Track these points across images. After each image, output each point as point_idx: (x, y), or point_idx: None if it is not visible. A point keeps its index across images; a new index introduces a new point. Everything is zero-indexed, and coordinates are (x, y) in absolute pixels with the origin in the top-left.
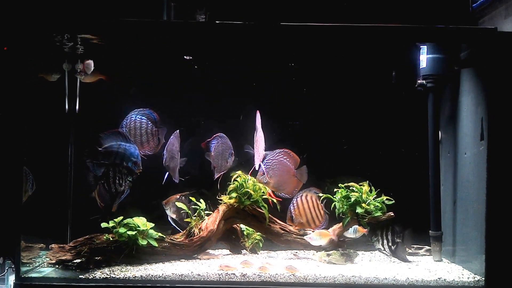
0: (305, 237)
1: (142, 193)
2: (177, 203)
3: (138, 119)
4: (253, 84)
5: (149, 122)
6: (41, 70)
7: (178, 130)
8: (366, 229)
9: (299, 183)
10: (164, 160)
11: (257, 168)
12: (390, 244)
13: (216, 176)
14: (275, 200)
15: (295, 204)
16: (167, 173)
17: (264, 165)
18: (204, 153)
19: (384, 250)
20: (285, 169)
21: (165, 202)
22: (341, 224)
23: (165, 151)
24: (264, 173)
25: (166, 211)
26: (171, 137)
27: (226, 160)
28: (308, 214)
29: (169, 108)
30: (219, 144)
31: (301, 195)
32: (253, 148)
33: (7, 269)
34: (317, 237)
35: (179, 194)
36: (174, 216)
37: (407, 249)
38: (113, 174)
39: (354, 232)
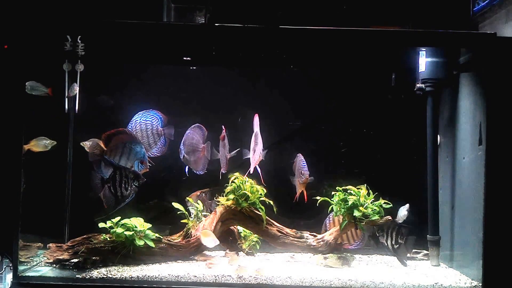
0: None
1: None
2: (188, 198)
3: (143, 121)
4: (252, 86)
5: (154, 123)
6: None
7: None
8: None
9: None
10: (182, 155)
11: (251, 172)
12: (393, 242)
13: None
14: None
15: (331, 219)
16: (187, 166)
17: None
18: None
19: (387, 247)
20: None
21: (189, 197)
22: (338, 227)
23: (182, 145)
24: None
25: (189, 206)
26: (188, 131)
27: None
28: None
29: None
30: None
31: None
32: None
33: (4, 268)
34: (206, 238)
35: (199, 190)
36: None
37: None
38: (119, 176)
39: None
